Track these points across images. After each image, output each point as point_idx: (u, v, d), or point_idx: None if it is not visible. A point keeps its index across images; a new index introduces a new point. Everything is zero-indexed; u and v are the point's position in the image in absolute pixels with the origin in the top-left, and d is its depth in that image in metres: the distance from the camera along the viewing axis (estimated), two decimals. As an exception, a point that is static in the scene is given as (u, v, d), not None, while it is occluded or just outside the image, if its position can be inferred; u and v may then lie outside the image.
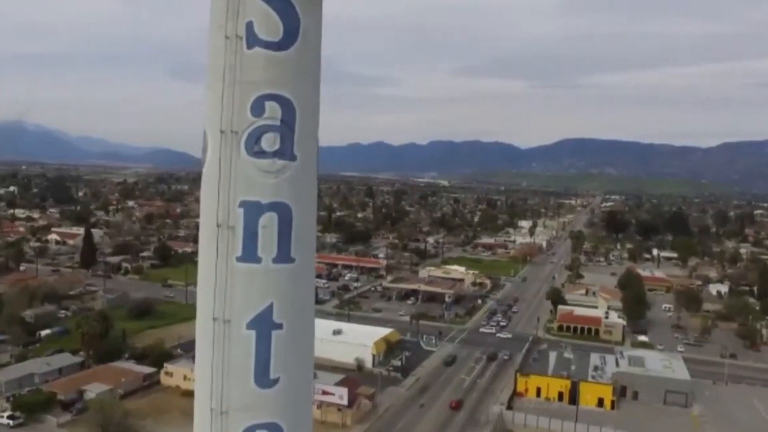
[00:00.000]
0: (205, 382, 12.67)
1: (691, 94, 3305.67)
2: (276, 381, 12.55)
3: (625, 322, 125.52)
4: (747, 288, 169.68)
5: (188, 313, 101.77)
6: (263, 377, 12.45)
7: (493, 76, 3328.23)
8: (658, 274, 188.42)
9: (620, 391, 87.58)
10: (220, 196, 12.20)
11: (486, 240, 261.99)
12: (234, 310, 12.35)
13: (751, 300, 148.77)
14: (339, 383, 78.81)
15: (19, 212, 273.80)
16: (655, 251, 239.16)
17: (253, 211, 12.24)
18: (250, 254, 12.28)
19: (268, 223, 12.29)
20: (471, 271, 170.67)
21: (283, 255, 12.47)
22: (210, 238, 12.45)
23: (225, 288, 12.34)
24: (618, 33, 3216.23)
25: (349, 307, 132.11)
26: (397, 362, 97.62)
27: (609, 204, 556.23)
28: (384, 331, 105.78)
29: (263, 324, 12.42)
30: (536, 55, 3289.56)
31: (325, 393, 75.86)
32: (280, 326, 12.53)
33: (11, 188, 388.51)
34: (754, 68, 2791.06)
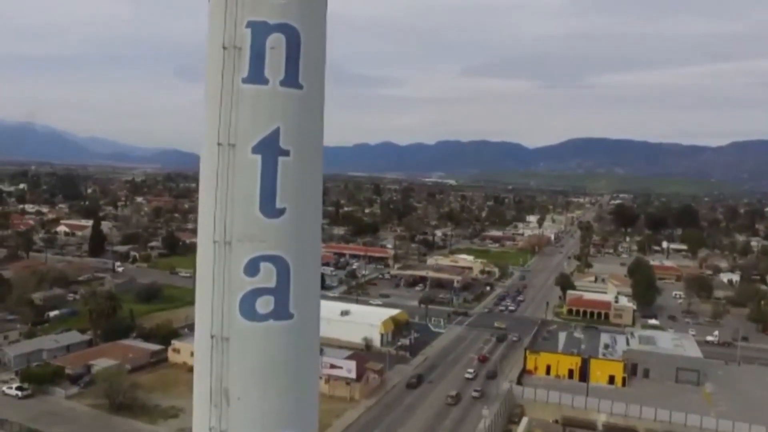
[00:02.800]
0: (208, 211, 12.14)
1: (700, 94, 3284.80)
2: (282, 211, 12.02)
3: (635, 307, 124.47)
4: (758, 277, 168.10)
5: (195, 299, 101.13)
6: (269, 206, 11.92)
7: (499, 75, 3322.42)
8: (668, 264, 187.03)
9: (631, 369, 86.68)
10: (226, 16, 11.82)
11: (494, 233, 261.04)
12: (239, 133, 11.86)
13: (763, 287, 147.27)
14: (347, 358, 78.41)
15: (29, 207, 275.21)
16: (664, 243, 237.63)
17: (260, 31, 11.83)
18: (256, 75, 11.85)
19: (276, 44, 11.86)
20: (479, 260, 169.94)
21: (291, 79, 12.04)
22: (216, 61, 12.02)
23: (230, 111, 11.90)
24: (625, 33, 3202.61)
25: (357, 292, 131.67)
26: (405, 341, 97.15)
27: (617, 202, 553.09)
28: (392, 312, 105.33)
29: (269, 149, 11.93)
30: (543, 54, 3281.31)
31: (333, 367, 75.42)
32: (287, 153, 12.04)
33: (21, 185, 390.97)
34: (763, 67, 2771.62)
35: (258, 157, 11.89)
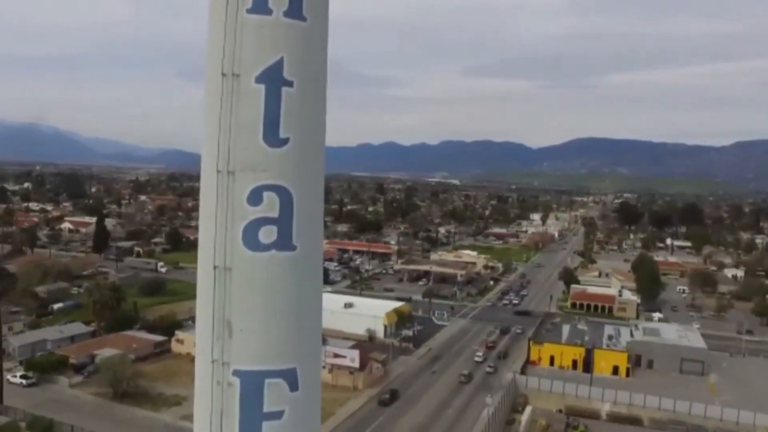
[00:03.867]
0: (212, 141, 12.17)
1: (703, 94, 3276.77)
2: (285, 141, 12.03)
3: (639, 301, 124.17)
4: (763, 273, 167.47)
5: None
6: (272, 135, 11.93)
7: (502, 75, 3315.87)
8: (672, 260, 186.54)
9: (635, 360, 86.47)
10: (231, -53, 11.88)
11: (498, 230, 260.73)
12: (243, 63, 11.90)
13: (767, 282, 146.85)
14: (351, 347, 78.39)
15: (33, 205, 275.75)
16: (668, 241, 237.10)
17: (263, -40, 11.88)
18: (260, 5, 11.92)
19: (280, -26, 11.92)
20: (483, 256, 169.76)
21: (295, 10, 12.09)
22: (220, -7, 12.07)
23: (234, 41, 11.92)
24: (627, 32, 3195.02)
25: (360, 286, 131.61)
26: (409, 333, 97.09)
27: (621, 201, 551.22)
28: (395, 304, 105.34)
29: (273, 79, 11.96)
30: (545, 54, 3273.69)
31: (336, 356, 75.38)
32: (290, 84, 12.07)
33: (25, 185, 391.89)
34: (767, 67, 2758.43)
35: (262, 87, 11.91)
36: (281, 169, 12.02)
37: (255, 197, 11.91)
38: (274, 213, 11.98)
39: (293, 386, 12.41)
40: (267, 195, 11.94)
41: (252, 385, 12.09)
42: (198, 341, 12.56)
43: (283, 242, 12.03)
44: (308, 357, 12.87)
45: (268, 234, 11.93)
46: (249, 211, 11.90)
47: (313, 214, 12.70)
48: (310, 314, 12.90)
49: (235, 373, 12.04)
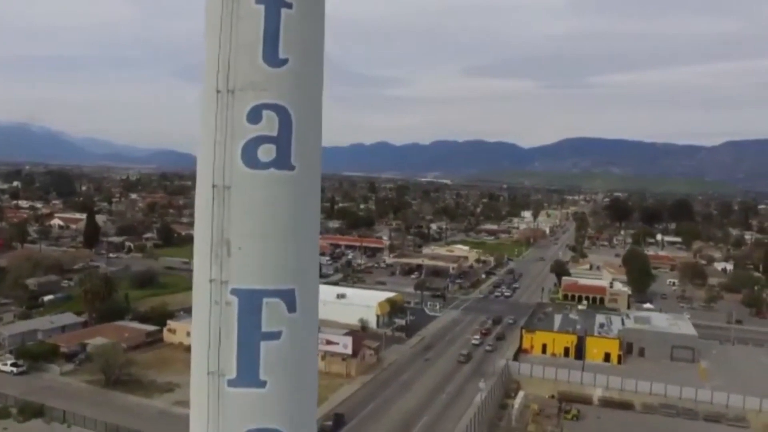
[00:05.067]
0: (212, 61, 12.32)
1: (696, 93, 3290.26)
2: (285, 61, 12.20)
3: (630, 292, 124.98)
4: (752, 267, 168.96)
5: (191, 284, 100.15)
6: (272, 55, 12.10)
7: (495, 76, 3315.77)
8: (663, 254, 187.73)
9: (626, 348, 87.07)
10: None
11: (489, 226, 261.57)
12: (242, -11, 12.11)
13: (757, 274, 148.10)
14: (344, 335, 78.49)
15: (23, 203, 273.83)
16: (659, 236, 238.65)
17: None
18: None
19: None
20: (475, 250, 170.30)
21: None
22: None
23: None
24: (619, 33, 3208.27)
25: (353, 279, 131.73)
26: (401, 322, 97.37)
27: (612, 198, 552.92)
28: (388, 294, 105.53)
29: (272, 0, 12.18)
30: (538, 55, 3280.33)
31: (329, 343, 75.47)
32: (289, 6, 12.27)
33: (15, 183, 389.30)
34: (759, 67, 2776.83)
35: (261, 8, 12.09)
36: (280, 88, 12.18)
37: (254, 115, 12.05)
38: (273, 132, 12.12)
39: (291, 307, 12.48)
40: (266, 114, 12.08)
41: (250, 304, 12.16)
42: (196, 261, 12.65)
43: (282, 161, 12.17)
44: (306, 279, 12.98)
45: (266, 152, 12.06)
46: (248, 129, 12.04)
47: (312, 135, 12.86)
48: (308, 235, 13.04)
49: (234, 292, 12.10)
